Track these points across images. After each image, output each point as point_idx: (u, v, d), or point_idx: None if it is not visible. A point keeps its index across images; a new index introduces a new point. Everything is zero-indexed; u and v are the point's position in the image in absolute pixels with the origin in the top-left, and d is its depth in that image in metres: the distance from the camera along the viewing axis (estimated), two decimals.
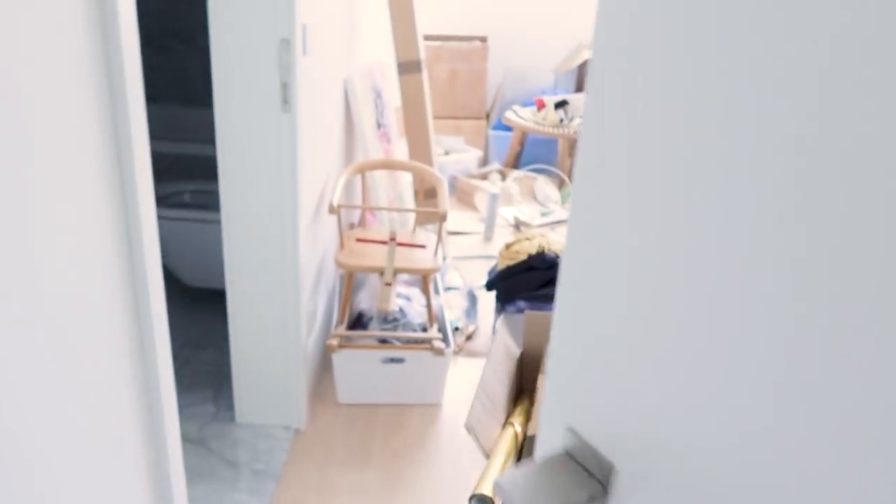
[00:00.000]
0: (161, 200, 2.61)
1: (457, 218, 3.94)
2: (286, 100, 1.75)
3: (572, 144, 4.56)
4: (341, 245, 2.25)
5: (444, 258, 3.15)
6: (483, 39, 4.68)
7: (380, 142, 2.85)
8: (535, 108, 4.46)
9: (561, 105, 4.32)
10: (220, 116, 1.79)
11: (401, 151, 3.22)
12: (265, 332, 2.04)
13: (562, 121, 4.30)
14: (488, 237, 3.69)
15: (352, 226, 2.74)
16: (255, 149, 1.81)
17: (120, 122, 0.99)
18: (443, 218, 2.16)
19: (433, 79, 4.51)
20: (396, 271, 2.14)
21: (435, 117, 4.49)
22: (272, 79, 1.73)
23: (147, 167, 1.09)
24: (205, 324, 2.60)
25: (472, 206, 4.08)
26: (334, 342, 2.06)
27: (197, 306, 2.70)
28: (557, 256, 2.56)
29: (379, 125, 2.87)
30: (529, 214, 3.96)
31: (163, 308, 1.19)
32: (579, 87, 4.86)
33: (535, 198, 4.20)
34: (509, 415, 1.60)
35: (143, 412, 1.20)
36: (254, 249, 1.94)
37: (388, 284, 2.00)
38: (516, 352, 1.87)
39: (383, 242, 2.08)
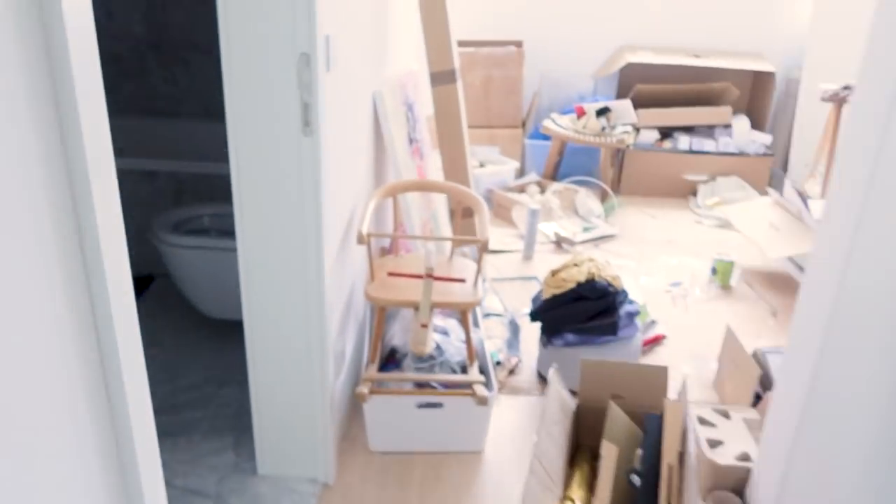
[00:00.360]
0: (177, 227, 2.43)
1: (494, 234, 3.71)
2: (307, 122, 1.54)
3: (615, 154, 4.30)
4: (372, 276, 2.04)
5: (483, 280, 2.93)
6: (518, 44, 4.46)
7: (412, 159, 2.64)
8: (574, 115, 4.22)
9: (603, 112, 4.08)
10: (233, 139, 1.59)
11: (434, 166, 3.01)
12: (288, 374, 1.84)
13: (604, 129, 4.06)
14: (528, 256, 3.46)
15: (383, 250, 2.53)
16: (272, 175, 1.61)
17: (70, 136, 0.79)
18: (484, 247, 1.94)
19: (466, 86, 4.29)
20: (433, 307, 1.92)
21: (469, 127, 4.27)
22: (291, 98, 1.53)
23: (112, 196, 0.88)
24: (227, 358, 2.41)
25: (509, 222, 3.85)
26: (365, 390, 1.85)
27: (218, 339, 2.51)
28: (609, 285, 2.32)
29: (411, 140, 2.66)
30: (571, 230, 3.72)
31: (139, 361, 0.99)
32: (620, 93, 4.60)
33: (576, 212, 3.95)
34: (567, 485, 1.37)
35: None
36: (274, 283, 1.74)
37: (424, 325, 1.79)
38: (571, 404, 1.64)
39: (418, 277, 1.87)
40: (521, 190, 4.13)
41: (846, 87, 3.61)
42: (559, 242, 3.63)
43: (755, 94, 4.67)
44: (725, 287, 3.27)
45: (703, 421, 2.08)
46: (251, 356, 1.82)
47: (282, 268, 1.71)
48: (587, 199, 3.95)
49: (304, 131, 1.55)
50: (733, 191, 4.33)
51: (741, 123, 4.49)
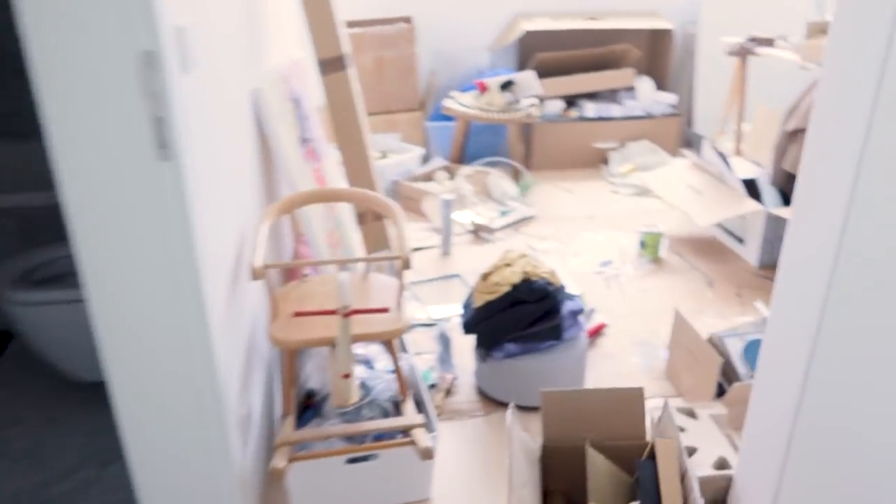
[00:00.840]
0: (26, 276, 1.99)
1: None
2: (163, 142, 1.17)
3: (522, 129, 4.06)
4: (275, 314, 1.69)
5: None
6: (407, 20, 4.12)
7: (307, 162, 2.28)
8: (476, 91, 3.94)
9: (507, 86, 3.82)
10: (63, 170, 1.20)
11: (334, 164, 2.66)
12: (180, 452, 1.48)
13: (510, 103, 3.80)
14: (446, 251, 3.17)
15: (286, 274, 2.18)
16: (121, 211, 1.23)
17: None
18: (405, 264, 1.63)
19: (357, 70, 3.92)
20: (356, 340, 1.59)
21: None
22: (137, 113, 1.15)
23: None
24: (109, 429, 1.99)
25: (420, 214, 3.55)
26: (281, 464, 1.51)
27: (95, 406, 2.07)
28: (548, 283, 2.07)
29: (303, 141, 2.30)
30: (488, 216, 3.45)
31: None
32: (520, 64, 4.36)
33: (490, 196, 3.69)
34: None
35: None
36: (142, 341, 1.36)
37: (347, 376, 1.46)
38: (535, 448, 1.37)
39: (330, 313, 1.54)
40: (429, 178, 3.83)
41: (752, 39, 3.49)
42: (477, 231, 3.36)
43: (655, 53, 4.53)
44: (655, 259, 3.10)
45: None
46: (126, 436, 1.45)
47: (150, 322, 1.34)
48: (500, 181, 3.70)
49: (160, 154, 1.19)
50: (645, 155, 4.20)
51: (645, 85, 4.35)
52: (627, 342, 2.49)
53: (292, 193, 1.90)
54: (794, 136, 2.94)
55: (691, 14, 4.40)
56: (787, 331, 1.34)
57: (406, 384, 1.82)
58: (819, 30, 3.14)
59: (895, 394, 1.05)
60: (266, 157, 2.08)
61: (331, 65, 2.34)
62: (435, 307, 2.69)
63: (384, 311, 1.60)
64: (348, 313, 1.44)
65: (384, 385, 1.84)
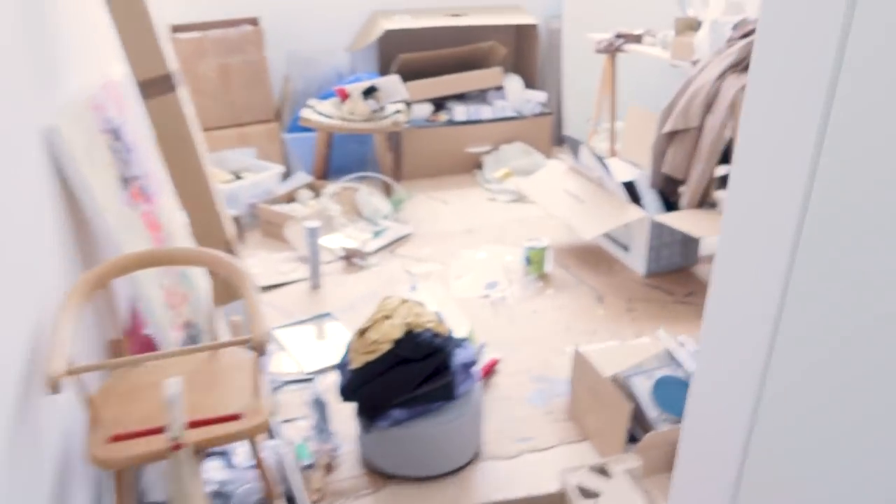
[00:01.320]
0: None
1: (265, 262, 3.01)
2: None
3: (390, 137, 3.76)
4: (94, 423, 1.31)
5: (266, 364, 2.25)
6: (253, 21, 3.70)
7: (133, 206, 1.86)
8: (336, 99, 3.60)
9: (370, 92, 3.50)
10: None
11: (172, 205, 2.24)
12: None
13: (374, 111, 3.49)
14: (315, 284, 2.83)
15: (114, 346, 1.76)
16: None
17: None
18: (259, 349, 1.30)
19: (199, 79, 3.47)
20: (201, 447, 1.24)
21: (210, 129, 3.47)
22: None
23: None
24: None
25: (283, 241, 3.17)
26: None
27: None
28: (435, 335, 1.79)
29: (126, 182, 1.88)
30: (360, 238, 3.14)
31: None
32: (382, 66, 4.05)
33: (360, 214, 3.37)
34: None
35: None
36: None
37: None
38: None
39: (157, 432, 1.17)
40: (291, 198, 3.45)
41: (619, 35, 3.38)
42: (349, 257, 3.03)
43: (521, 50, 4.37)
44: (542, 276, 2.91)
45: (585, 493, 1.65)
46: None
47: None
48: (370, 198, 3.38)
49: None
50: (519, 157, 4.02)
51: (513, 83, 4.17)
52: (523, 378, 2.27)
53: (107, 261, 1.50)
54: (671, 138, 2.83)
55: (554, 8, 4.27)
56: (724, 377, 1.14)
57: (273, 483, 1.49)
58: (687, 26, 3.06)
59: (859, 449, 0.87)
60: (74, 213, 1.65)
61: (154, 86, 1.94)
62: (306, 356, 2.35)
63: (235, 418, 1.26)
64: (178, 445, 1.09)
65: (248, 488, 1.50)
